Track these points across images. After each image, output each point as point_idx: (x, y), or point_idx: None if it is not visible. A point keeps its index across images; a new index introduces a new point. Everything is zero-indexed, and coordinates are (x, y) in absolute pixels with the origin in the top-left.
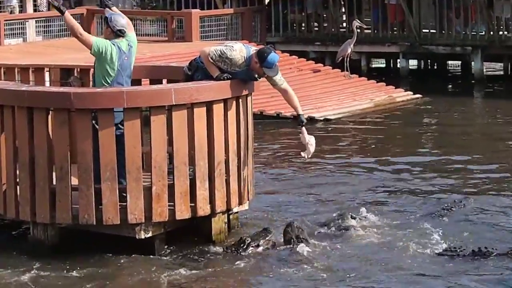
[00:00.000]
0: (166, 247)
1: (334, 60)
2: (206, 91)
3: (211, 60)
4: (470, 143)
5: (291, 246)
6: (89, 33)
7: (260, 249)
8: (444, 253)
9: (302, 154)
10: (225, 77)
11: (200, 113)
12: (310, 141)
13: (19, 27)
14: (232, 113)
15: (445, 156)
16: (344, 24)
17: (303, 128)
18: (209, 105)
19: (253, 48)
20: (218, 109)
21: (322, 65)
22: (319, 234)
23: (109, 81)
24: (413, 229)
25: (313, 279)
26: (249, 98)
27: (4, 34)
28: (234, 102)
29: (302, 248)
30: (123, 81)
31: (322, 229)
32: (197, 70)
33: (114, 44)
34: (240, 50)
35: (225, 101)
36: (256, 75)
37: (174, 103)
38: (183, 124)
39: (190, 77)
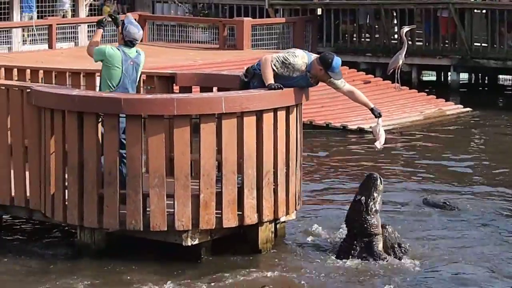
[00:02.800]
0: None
1: (384, 72)
2: (256, 100)
3: (273, 67)
4: None
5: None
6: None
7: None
8: None
9: (376, 144)
10: (276, 87)
11: (250, 122)
12: (382, 133)
13: (71, 31)
14: (281, 123)
15: (492, 170)
16: (396, 36)
17: (379, 119)
18: (259, 114)
19: (313, 55)
20: (268, 118)
21: (372, 76)
22: None
23: (114, 84)
24: None
25: None
26: (299, 108)
27: (56, 38)
28: (284, 111)
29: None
30: (128, 86)
31: None
32: (253, 77)
33: (119, 49)
34: (302, 57)
35: (275, 110)
36: (313, 81)
37: (224, 111)
38: (232, 133)
39: (246, 84)
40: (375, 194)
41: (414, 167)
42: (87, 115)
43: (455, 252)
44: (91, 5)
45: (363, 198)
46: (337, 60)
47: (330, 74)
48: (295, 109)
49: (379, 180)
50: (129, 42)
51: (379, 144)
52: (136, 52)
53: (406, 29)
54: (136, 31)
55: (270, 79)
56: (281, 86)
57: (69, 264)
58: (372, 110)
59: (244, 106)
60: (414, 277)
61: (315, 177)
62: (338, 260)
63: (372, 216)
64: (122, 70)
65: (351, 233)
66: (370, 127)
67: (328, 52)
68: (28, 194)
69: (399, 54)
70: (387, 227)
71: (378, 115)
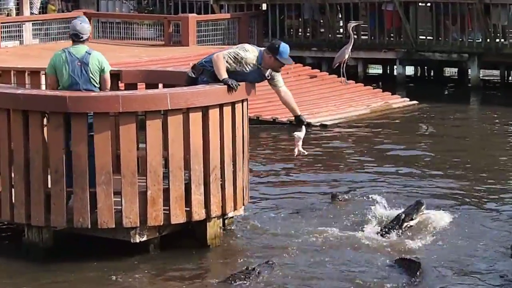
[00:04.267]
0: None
1: (330, 66)
2: (201, 96)
3: (226, 64)
4: (465, 149)
5: None
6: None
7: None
8: None
9: (296, 150)
10: (232, 83)
11: (195, 118)
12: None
13: (16, 30)
14: (227, 118)
15: (439, 162)
16: (341, 30)
17: (304, 127)
18: (204, 110)
19: (262, 49)
20: (213, 114)
21: (318, 70)
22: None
23: (65, 87)
24: None
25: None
26: (245, 103)
27: (1, 37)
28: (230, 107)
29: None
30: (79, 88)
31: None
32: (202, 73)
33: (64, 51)
34: (252, 50)
35: (220, 106)
36: (267, 73)
37: (169, 108)
38: (178, 129)
39: (194, 80)
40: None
41: (358, 159)
42: (32, 113)
43: None
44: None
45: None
46: (284, 45)
47: (280, 59)
48: (241, 104)
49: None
50: (73, 36)
51: (298, 152)
52: (86, 52)
53: (353, 24)
54: (77, 23)
55: (224, 74)
56: (237, 83)
57: (17, 263)
58: (298, 117)
59: (189, 102)
60: None
61: (261, 171)
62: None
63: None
64: (68, 73)
65: None
66: (294, 134)
67: (274, 40)
68: None
69: (345, 48)
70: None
71: (303, 123)
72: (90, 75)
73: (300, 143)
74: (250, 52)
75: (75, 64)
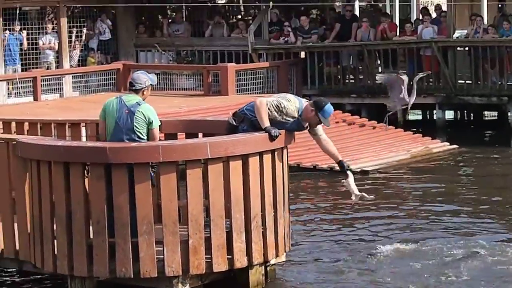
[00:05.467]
0: None
1: (370, 112)
2: (241, 144)
3: (268, 111)
4: (508, 193)
5: None
6: (126, 86)
7: None
8: None
9: (353, 197)
10: (275, 133)
11: (235, 167)
12: (353, 186)
13: (56, 83)
14: (267, 166)
15: (482, 205)
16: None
17: (349, 173)
18: (244, 158)
19: (304, 100)
20: (253, 162)
21: (358, 117)
22: None
23: (109, 134)
24: None
25: None
26: (285, 150)
27: (41, 90)
28: (270, 155)
29: None
30: (122, 136)
31: None
32: (243, 121)
33: (117, 98)
34: (294, 101)
35: (260, 154)
36: (306, 125)
37: (209, 157)
38: (219, 178)
39: (234, 128)
40: None
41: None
42: (73, 165)
43: None
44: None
45: None
46: (330, 106)
47: (321, 118)
48: (280, 152)
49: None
50: (128, 84)
51: (355, 197)
52: (137, 102)
53: (419, 75)
54: (136, 72)
55: (266, 122)
56: (279, 132)
57: None
58: (340, 162)
59: (229, 150)
60: None
61: (303, 218)
62: None
63: None
64: (114, 118)
65: None
66: (344, 182)
67: (321, 98)
68: (17, 245)
69: (406, 98)
70: None
71: (346, 168)
72: (135, 124)
73: (353, 187)
74: (292, 103)
75: (122, 111)
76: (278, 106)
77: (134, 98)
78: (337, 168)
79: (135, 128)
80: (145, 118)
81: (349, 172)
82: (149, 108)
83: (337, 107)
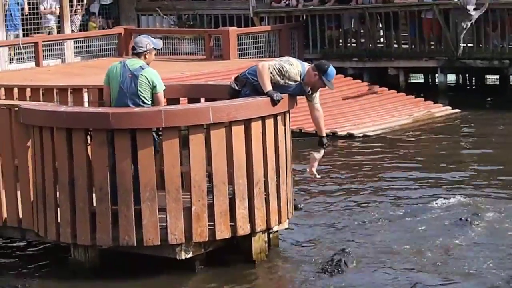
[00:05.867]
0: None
1: (372, 76)
2: (243, 109)
3: (270, 75)
4: (510, 156)
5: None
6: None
7: None
8: None
9: (312, 170)
10: (277, 97)
11: (238, 131)
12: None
13: (57, 48)
14: (270, 131)
15: (484, 171)
16: (381, 40)
17: (322, 150)
18: (247, 123)
19: (306, 64)
20: (256, 127)
21: (360, 81)
22: None
23: (113, 98)
24: None
25: None
26: (287, 115)
27: (43, 55)
28: (272, 119)
29: None
30: (126, 99)
31: None
32: (245, 85)
33: (120, 62)
34: (296, 65)
35: (263, 118)
36: (308, 89)
37: (212, 122)
38: (221, 143)
39: (237, 92)
40: None
41: (405, 171)
42: (75, 131)
43: None
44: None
45: None
46: (332, 69)
47: (324, 81)
48: (283, 116)
49: None
50: (132, 49)
51: (309, 172)
52: (140, 66)
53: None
54: (138, 37)
55: (268, 86)
56: (282, 96)
57: (64, 283)
58: (321, 138)
59: (231, 115)
60: None
61: (306, 184)
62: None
63: None
64: (118, 83)
65: None
66: (311, 153)
67: (324, 61)
68: (20, 214)
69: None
70: None
71: (325, 146)
72: (139, 89)
73: (316, 164)
74: (294, 67)
75: (126, 76)
76: (281, 70)
77: (137, 62)
78: (340, 132)
79: (139, 92)
80: (149, 82)
81: (322, 150)
82: (152, 72)
83: (339, 71)
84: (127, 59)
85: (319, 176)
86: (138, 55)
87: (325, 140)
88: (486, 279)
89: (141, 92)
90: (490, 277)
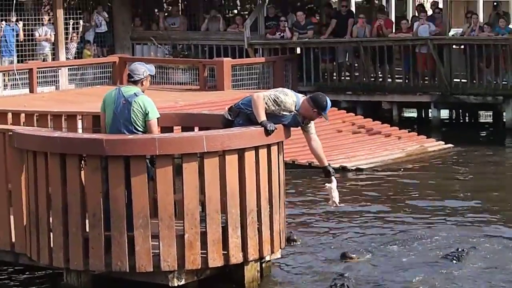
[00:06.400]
0: None
1: (366, 110)
2: (237, 138)
3: (265, 105)
4: (503, 193)
5: None
6: (122, 79)
7: None
8: None
9: (330, 203)
10: (270, 127)
11: (231, 161)
12: (335, 193)
13: (52, 75)
14: (263, 161)
15: (476, 205)
16: (375, 74)
17: (333, 178)
18: (240, 152)
19: (300, 95)
20: (249, 156)
21: (353, 114)
22: None
23: (107, 125)
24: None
25: None
26: (280, 145)
27: (37, 82)
28: (266, 149)
29: None
30: (120, 126)
31: None
32: (238, 115)
33: (116, 89)
34: (291, 96)
35: (256, 148)
36: (302, 120)
37: (206, 151)
38: (215, 172)
39: (230, 122)
40: None
41: (397, 203)
42: (69, 156)
43: None
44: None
45: None
46: (329, 102)
47: (323, 115)
48: (276, 147)
49: None
50: (128, 76)
51: (331, 203)
52: (134, 93)
53: None
54: (134, 64)
55: (263, 116)
56: (275, 127)
57: None
58: (326, 167)
59: (225, 144)
60: None
61: (298, 215)
62: None
63: None
64: (112, 109)
65: None
66: (326, 185)
67: (320, 94)
68: (13, 238)
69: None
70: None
71: (332, 174)
72: (132, 115)
73: (335, 193)
74: (289, 97)
75: (120, 102)
76: (276, 100)
77: (132, 89)
78: (333, 165)
79: (132, 118)
80: (142, 109)
81: (333, 178)
82: (146, 99)
83: (333, 104)
84: (122, 86)
85: (342, 205)
86: (135, 82)
87: (330, 168)
88: None
89: (134, 118)
90: None
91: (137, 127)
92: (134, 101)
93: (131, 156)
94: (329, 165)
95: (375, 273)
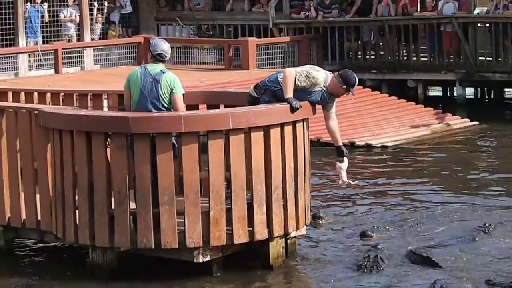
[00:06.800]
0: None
1: (391, 88)
2: (263, 115)
3: (297, 81)
4: None
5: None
6: (147, 59)
7: None
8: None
9: (340, 182)
10: (295, 104)
11: (257, 138)
12: (344, 172)
13: (77, 56)
14: (289, 138)
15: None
16: (401, 52)
17: (345, 158)
18: (266, 129)
19: (329, 72)
20: (275, 133)
21: (379, 92)
22: None
23: (134, 103)
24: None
25: None
26: (306, 122)
27: (62, 63)
28: (291, 126)
29: None
30: (147, 104)
31: None
32: (264, 93)
33: (141, 67)
34: (322, 72)
35: (282, 125)
36: (328, 97)
37: (231, 127)
38: (240, 149)
39: (256, 100)
40: None
41: (422, 179)
42: (95, 134)
43: None
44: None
45: None
46: (357, 79)
47: (351, 91)
48: (302, 123)
49: None
50: (158, 56)
51: (342, 183)
52: (160, 70)
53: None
54: (162, 43)
55: (290, 93)
56: (301, 104)
57: (82, 285)
58: (339, 147)
59: (251, 121)
60: None
61: (323, 192)
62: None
63: None
64: (139, 88)
65: None
66: (336, 164)
67: (348, 71)
68: (39, 216)
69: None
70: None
71: (345, 155)
72: (160, 92)
73: (344, 173)
74: (320, 73)
75: (147, 80)
76: (308, 76)
77: (158, 67)
78: (358, 142)
79: (160, 96)
80: (170, 85)
81: (345, 158)
82: (173, 76)
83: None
84: (147, 65)
85: (354, 183)
86: (163, 61)
87: (343, 149)
88: None
89: (162, 96)
90: None
91: (164, 104)
92: (162, 78)
93: (157, 134)
94: (343, 145)
95: (403, 249)
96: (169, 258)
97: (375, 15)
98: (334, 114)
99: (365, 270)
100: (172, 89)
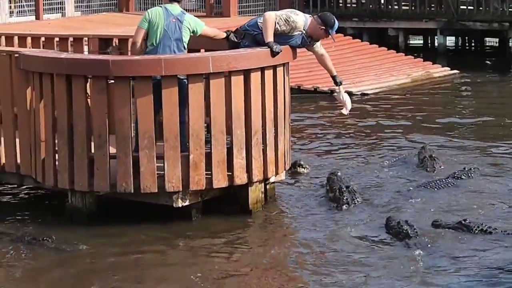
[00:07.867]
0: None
1: (371, 36)
2: (243, 59)
3: (277, 25)
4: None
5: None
6: (128, 6)
7: None
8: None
9: (342, 111)
10: (276, 48)
11: (237, 81)
12: (347, 99)
13: (58, 2)
14: (269, 82)
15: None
16: (382, 0)
17: (341, 87)
18: (246, 73)
19: (308, 15)
20: (255, 77)
21: (359, 40)
22: None
23: (154, 43)
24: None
25: None
26: (286, 67)
27: (43, 9)
28: (272, 70)
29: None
30: (171, 44)
31: None
32: (244, 37)
33: (161, 6)
34: (301, 15)
35: (262, 69)
36: (309, 40)
37: (212, 71)
38: (220, 93)
39: (236, 44)
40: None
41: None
42: (75, 78)
43: None
44: None
45: None
46: (337, 22)
47: (331, 34)
48: (282, 68)
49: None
50: None
51: (345, 111)
52: (181, 11)
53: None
54: None
55: (270, 37)
56: (281, 49)
57: (61, 228)
58: (334, 77)
59: (231, 65)
60: None
61: (302, 139)
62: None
63: None
64: (163, 26)
65: None
66: (333, 95)
67: (328, 12)
68: (18, 160)
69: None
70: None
71: (339, 83)
72: (183, 32)
73: (346, 96)
74: (299, 17)
75: (170, 20)
76: (287, 20)
77: (177, 7)
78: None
79: (182, 36)
80: (190, 27)
81: (341, 87)
82: (193, 18)
83: (339, 30)
84: (167, 5)
85: (346, 113)
86: (179, 2)
87: (337, 78)
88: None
89: (184, 35)
90: None
91: (184, 45)
92: (185, 19)
93: (137, 77)
94: (336, 75)
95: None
96: (149, 202)
97: None
98: (322, 49)
99: (344, 204)
100: (194, 30)
